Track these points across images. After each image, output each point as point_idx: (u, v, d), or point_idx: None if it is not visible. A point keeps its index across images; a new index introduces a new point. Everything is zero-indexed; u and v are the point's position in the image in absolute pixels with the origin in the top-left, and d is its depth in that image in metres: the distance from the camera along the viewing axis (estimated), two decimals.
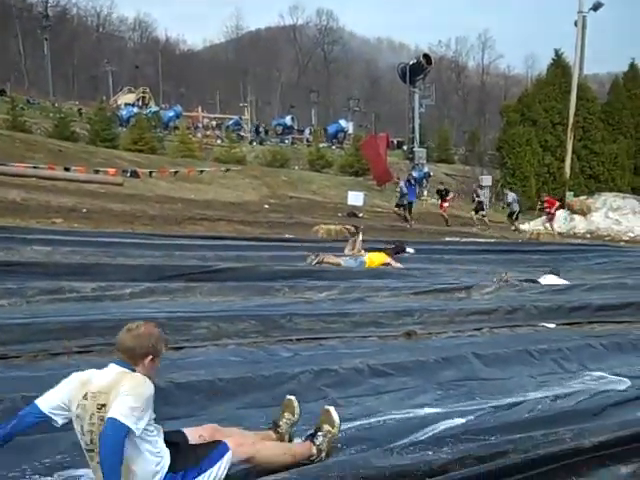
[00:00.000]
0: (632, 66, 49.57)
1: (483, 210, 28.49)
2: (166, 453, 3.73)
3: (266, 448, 4.15)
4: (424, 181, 37.17)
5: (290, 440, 4.52)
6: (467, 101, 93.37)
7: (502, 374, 6.83)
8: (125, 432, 3.40)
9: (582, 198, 35.51)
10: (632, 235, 29.11)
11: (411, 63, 40.70)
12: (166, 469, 3.70)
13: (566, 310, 10.28)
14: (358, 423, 5.24)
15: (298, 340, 7.67)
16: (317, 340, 7.78)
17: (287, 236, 18.52)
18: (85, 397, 3.60)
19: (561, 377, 6.99)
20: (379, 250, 14.20)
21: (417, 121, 41.13)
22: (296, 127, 62.50)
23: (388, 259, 13.66)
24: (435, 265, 14.56)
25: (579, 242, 24.93)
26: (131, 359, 3.71)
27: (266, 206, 28.51)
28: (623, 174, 45.95)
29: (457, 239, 20.99)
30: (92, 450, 3.58)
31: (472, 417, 5.52)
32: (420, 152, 40.60)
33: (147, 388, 3.59)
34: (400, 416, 5.47)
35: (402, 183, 27.42)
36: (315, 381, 5.97)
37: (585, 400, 6.11)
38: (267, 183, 35.11)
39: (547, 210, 28.42)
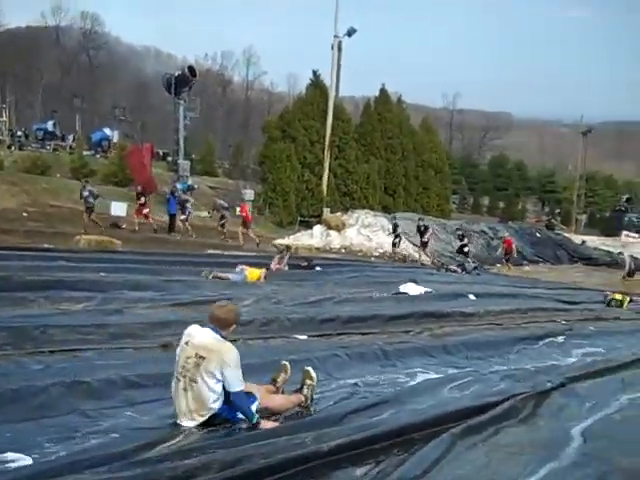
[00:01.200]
0: (382, 91, 52.66)
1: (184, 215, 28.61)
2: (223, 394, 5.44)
3: (275, 400, 6.04)
4: (188, 193, 37.11)
5: (282, 392, 6.30)
6: (232, 115, 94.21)
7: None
8: (244, 393, 5.43)
9: (338, 214, 36.83)
10: (381, 251, 30.59)
11: (176, 74, 40.37)
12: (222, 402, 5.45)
13: (317, 322, 10.74)
14: (112, 436, 5.22)
15: (51, 352, 7.44)
16: (72, 352, 7.59)
17: (46, 246, 17.81)
18: (187, 343, 5.51)
19: None
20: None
21: (182, 133, 40.90)
22: (59, 133, 59.82)
23: (264, 272, 15.96)
24: (195, 277, 14.62)
25: (334, 257, 26.06)
26: (222, 327, 5.60)
27: (25, 214, 27.20)
28: (375, 193, 48.46)
29: (219, 252, 21.16)
30: (179, 379, 5.44)
31: (226, 428, 5.63)
32: (184, 164, 40.44)
33: (237, 355, 5.44)
34: (151, 427, 5.51)
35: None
36: (66, 394, 5.86)
37: (329, 407, 6.45)
38: (26, 190, 33.33)
39: (243, 215, 28.82)
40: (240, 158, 61.92)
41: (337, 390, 7.19)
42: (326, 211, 40.37)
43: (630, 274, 27.02)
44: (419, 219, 30.53)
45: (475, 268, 25.69)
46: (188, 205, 28.95)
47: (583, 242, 36.19)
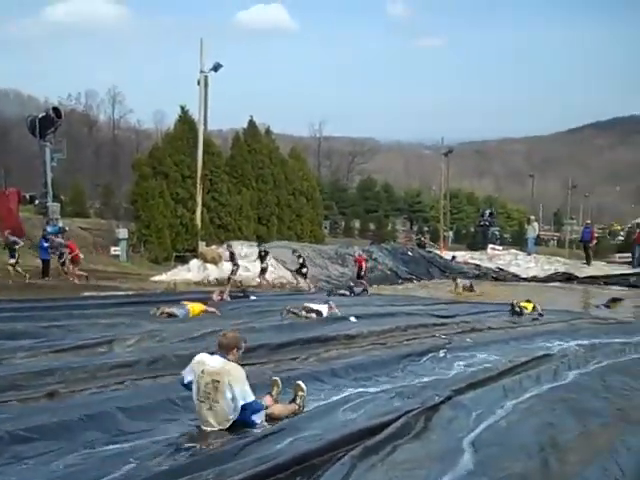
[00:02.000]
0: (251, 123, 52.93)
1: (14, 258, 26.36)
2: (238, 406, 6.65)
3: (277, 408, 7.28)
4: (59, 236, 35.88)
5: (277, 402, 7.51)
6: (100, 155, 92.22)
7: (147, 425, 6.85)
8: (255, 402, 6.71)
9: (213, 247, 36.17)
10: (259, 281, 30.18)
11: (40, 116, 39.10)
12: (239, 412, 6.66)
13: None
14: None
15: None
16: None
17: None
18: (203, 372, 6.68)
19: None
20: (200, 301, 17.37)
21: (49, 175, 39.50)
22: None
23: (205, 307, 16.64)
24: (75, 321, 14.16)
25: (209, 290, 25.35)
26: (227, 351, 6.80)
27: None
28: (249, 223, 48.52)
29: (95, 293, 20.57)
30: (202, 401, 6.65)
31: (121, 472, 5.46)
32: (54, 207, 39.07)
33: (242, 371, 6.74)
34: None
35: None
36: None
37: (226, 441, 6.34)
38: None
39: (71, 254, 27.81)
40: (112, 197, 60.63)
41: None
42: (201, 245, 39.80)
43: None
44: (258, 245, 30.48)
45: (364, 290, 25.97)
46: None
47: (453, 257, 37.28)
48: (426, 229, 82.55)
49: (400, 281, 33.14)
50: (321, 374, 9.56)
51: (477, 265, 36.51)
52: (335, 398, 8.23)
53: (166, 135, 51.74)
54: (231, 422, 6.66)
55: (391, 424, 6.62)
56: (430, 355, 11.67)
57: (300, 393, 7.69)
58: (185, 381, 6.96)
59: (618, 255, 44.71)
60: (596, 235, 42.93)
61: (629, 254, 39.92)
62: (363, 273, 29.55)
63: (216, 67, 41.92)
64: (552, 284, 31.66)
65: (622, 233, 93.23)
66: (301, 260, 28.71)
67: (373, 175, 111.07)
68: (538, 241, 52.11)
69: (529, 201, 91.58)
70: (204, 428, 6.69)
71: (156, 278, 29.29)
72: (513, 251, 41.87)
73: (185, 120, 47.54)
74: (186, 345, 11.58)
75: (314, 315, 15.87)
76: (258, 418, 6.84)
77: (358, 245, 42.93)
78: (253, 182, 50.16)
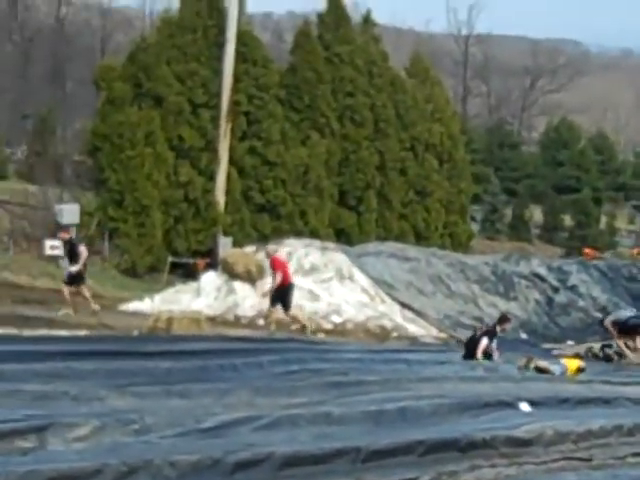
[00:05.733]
0: (333, 3, 52.39)
1: None
2: None
3: None
4: None
5: None
6: (32, 55, 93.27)
7: None
8: None
9: (249, 250, 36.38)
10: (339, 320, 30.62)
11: None
12: None
13: (229, 467, 10.23)
14: None
15: None
16: None
17: None
18: None
19: None
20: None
21: None
22: None
23: (582, 363, 22.04)
24: None
25: (240, 335, 26.03)
26: None
27: None
28: (322, 204, 47.99)
29: (16, 331, 20.97)
30: None
31: None
32: None
33: None
34: None
35: None
36: None
37: None
38: None
39: None
40: (51, 140, 60.54)
41: None
42: (225, 243, 39.61)
43: None
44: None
45: (619, 355, 27.38)
46: None
47: None
48: None
49: None
50: None
51: None
52: None
53: (162, 22, 50.21)
54: None
55: None
56: None
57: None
58: None
59: None
60: None
61: None
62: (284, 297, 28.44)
63: None
64: None
65: None
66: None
67: (573, 117, 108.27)
68: None
69: None
70: None
71: (133, 306, 29.47)
72: None
73: None
74: (186, 442, 11.39)
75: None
76: None
77: (539, 256, 42.15)
78: (333, 121, 49.33)
